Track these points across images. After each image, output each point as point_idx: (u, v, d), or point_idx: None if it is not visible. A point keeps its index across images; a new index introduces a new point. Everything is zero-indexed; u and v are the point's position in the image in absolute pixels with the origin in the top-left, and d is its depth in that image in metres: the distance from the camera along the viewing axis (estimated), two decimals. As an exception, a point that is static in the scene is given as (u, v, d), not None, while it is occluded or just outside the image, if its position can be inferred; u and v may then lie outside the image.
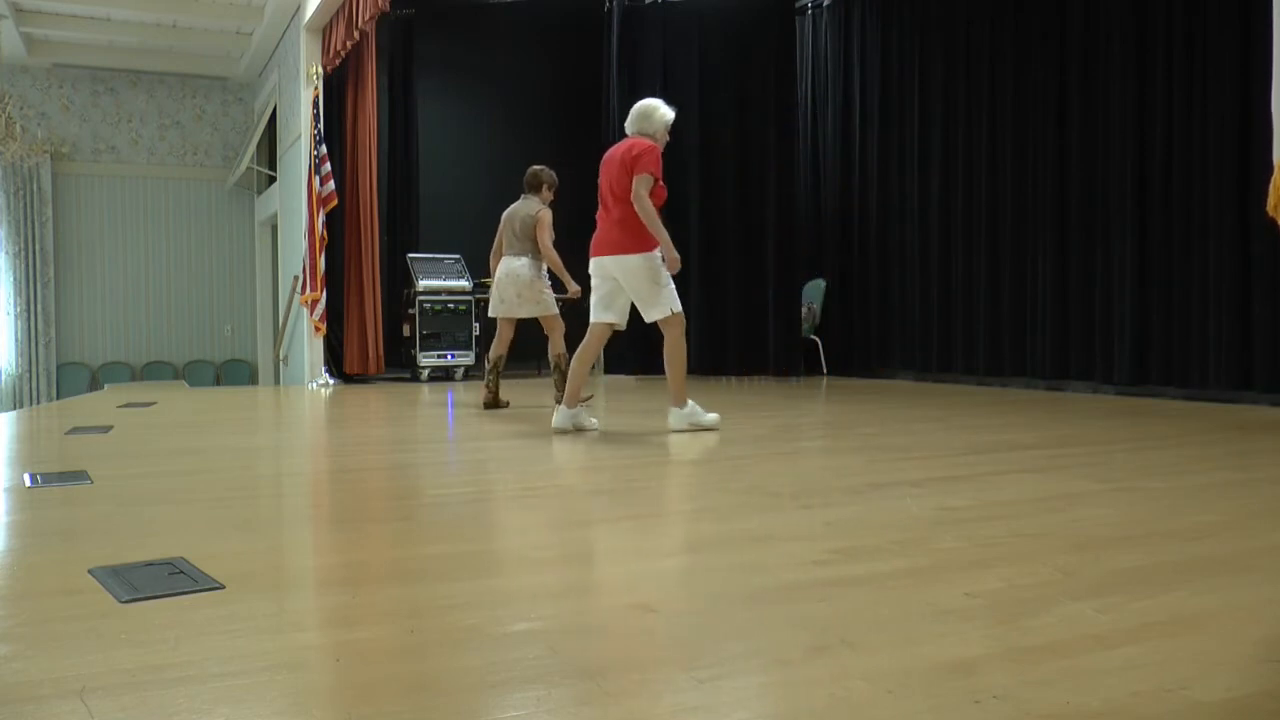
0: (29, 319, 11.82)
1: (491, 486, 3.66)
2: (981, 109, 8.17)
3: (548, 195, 6.45)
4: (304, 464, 4.57)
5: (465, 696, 1.52)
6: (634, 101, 5.27)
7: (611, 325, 5.08)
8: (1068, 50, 7.45)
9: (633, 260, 4.84)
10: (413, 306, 9.31)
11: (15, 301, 11.83)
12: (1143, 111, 6.88)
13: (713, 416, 5.00)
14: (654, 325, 4.95)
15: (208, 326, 12.76)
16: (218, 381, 12.56)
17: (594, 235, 5.04)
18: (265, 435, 5.96)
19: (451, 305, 9.43)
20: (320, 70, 9.19)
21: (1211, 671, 1.57)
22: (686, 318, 5.05)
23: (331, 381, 9.16)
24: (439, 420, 6.41)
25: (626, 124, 5.10)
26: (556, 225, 6.40)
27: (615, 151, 4.99)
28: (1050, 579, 2.12)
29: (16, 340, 11.84)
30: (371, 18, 7.95)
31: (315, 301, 9.16)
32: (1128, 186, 6.95)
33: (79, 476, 3.58)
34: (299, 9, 9.67)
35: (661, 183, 4.87)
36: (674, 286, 4.91)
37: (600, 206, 5.04)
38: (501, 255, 6.46)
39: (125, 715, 1.41)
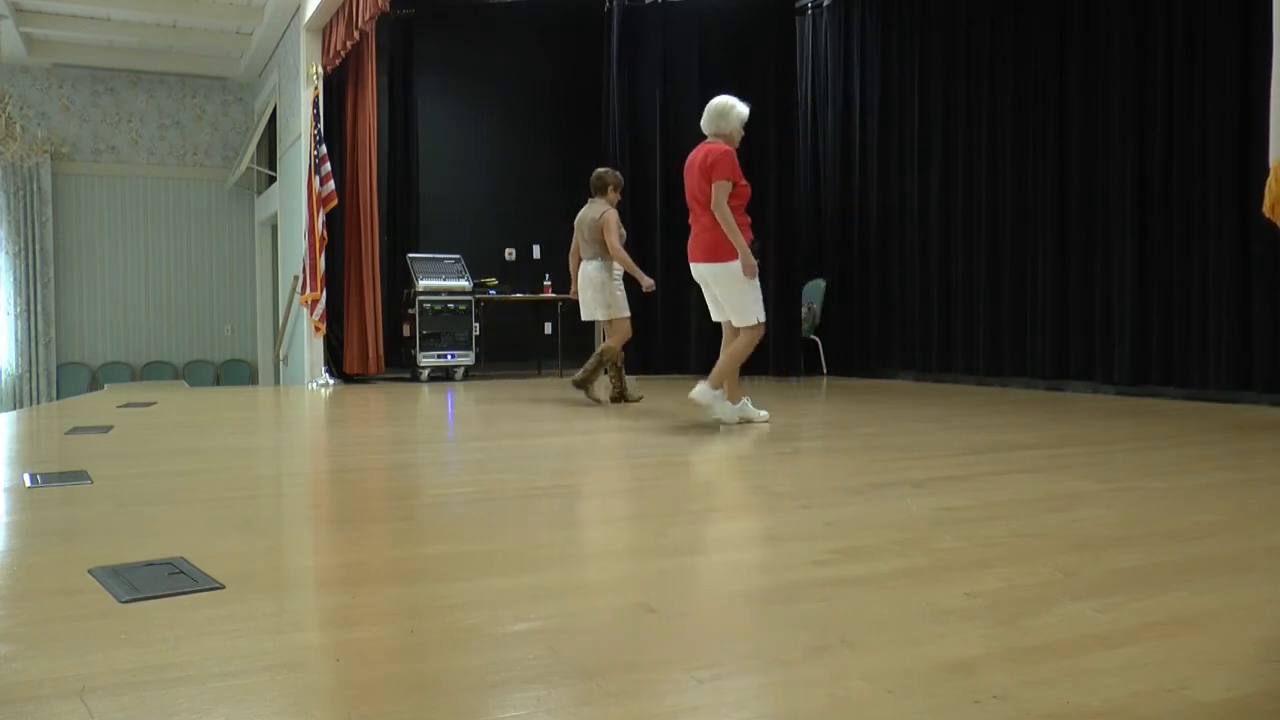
0: (29, 319, 11.81)
1: (492, 486, 3.66)
2: (981, 109, 8.17)
3: (614, 196, 6.57)
4: (304, 464, 4.57)
5: (465, 696, 1.52)
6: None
7: (732, 324, 5.22)
8: (1068, 50, 7.45)
9: (721, 267, 5.04)
10: (413, 306, 9.32)
11: (15, 301, 11.83)
12: (1143, 111, 6.88)
13: (734, 409, 5.15)
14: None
15: (208, 326, 12.76)
16: (218, 381, 12.56)
17: (688, 241, 5.24)
18: (265, 435, 5.96)
19: (451, 305, 9.43)
20: (320, 70, 9.19)
21: (1211, 671, 1.57)
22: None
23: (331, 381, 9.16)
24: (439, 420, 6.41)
25: (702, 124, 5.21)
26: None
27: (694, 157, 5.11)
28: (1050, 579, 2.12)
29: (16, 340, 11.84)
30: (371, 18, 7.95)
31: (315, 301, 9.16)
32: (1128, 186, 6.95)
33: (79, 476, 3.58)
34: (299, 9, 9.67)
35: (743, 181, 5.01)
36: (760, 294, 5.11)
37: (690, 213, 5.21)
38: (579, 260, 6.65)
39: (125, 715, 1.41)
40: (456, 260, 9.73)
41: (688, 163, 5.16)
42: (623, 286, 6.56)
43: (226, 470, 4.10)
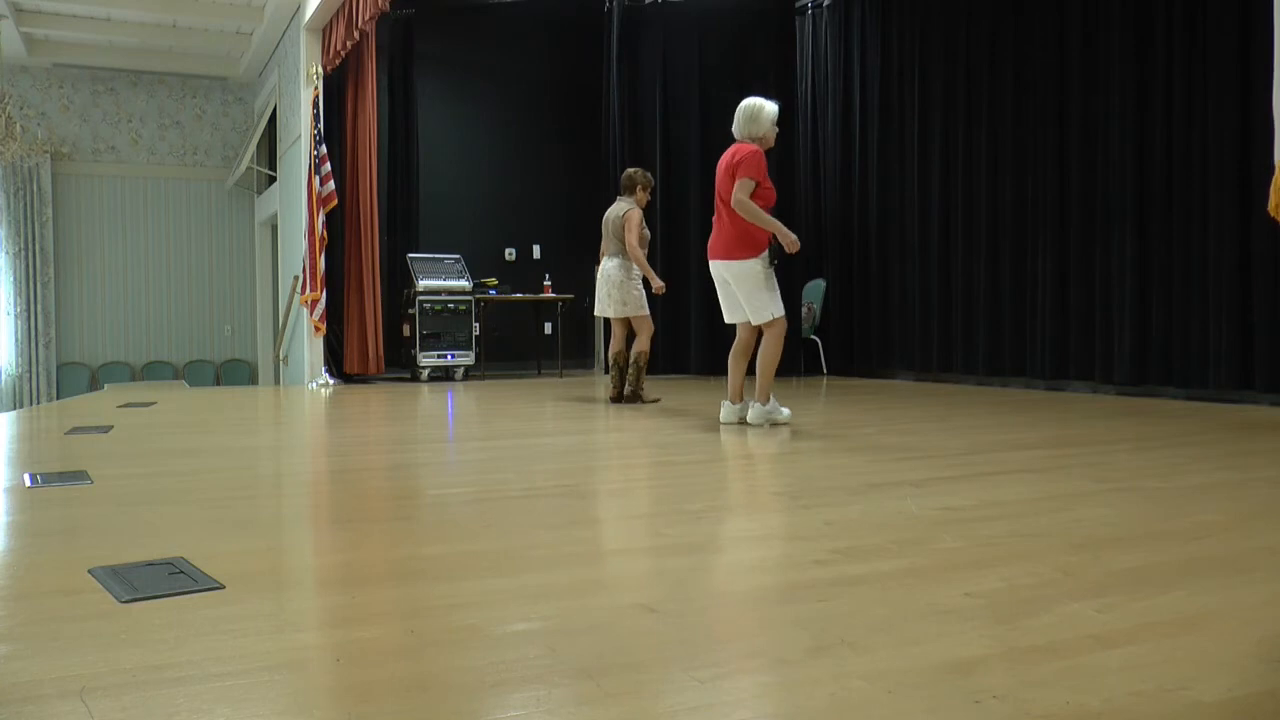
0: (29, 319, 11.81)
1: (492, 486, 3.66)
2: (981, 109, 8.17)
3: (642, 196, 6.59)
4: (304, 464, 4.57)
5: (465, 696, 1.52)
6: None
7: (748, 323, 5.23)
8: (1068, 50, 7.45)
9: (742, 265, 5.05)
10: (413, 306, 9.32)
11: (15, 301, 11.83)
12: (1143, 111, 6.88)
13: (786, 411, 5.20)
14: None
15: (207, 326, 12.76)
16: (218, 381, 12.56)
17: (709, 239, 5.25)
18: (265, 435, 5.95)
19: (451, 305, 9.44)
20: (320, 70, 9.19)
21: (1211, 671, 1.57)
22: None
23: (331, 381, 9.16)
24: (439, 420, 6.40)
25: (733, 127, 5.23)
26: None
27: (724, 158, 5.14)
28: (1050, 579, 2.12)
29: (16, 340, 11.84)
30: (371, 18, 7.96)
31: (315, 301, 9.16)
32: (1128, 186, 6.95)
33: (79, 476, 3.58)
34: (299, 9, 9.67)
35: (767, 184, 5.03)
36: (779, 291, 5.12)
37: (715, 212, 5.23)
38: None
39: (125, 715, 1.40)
40: (456, 260, 9.74)
41: (719, 164, 5.20)
42: (641, 285, 6.56)
43: (226, 470, 4.10)
